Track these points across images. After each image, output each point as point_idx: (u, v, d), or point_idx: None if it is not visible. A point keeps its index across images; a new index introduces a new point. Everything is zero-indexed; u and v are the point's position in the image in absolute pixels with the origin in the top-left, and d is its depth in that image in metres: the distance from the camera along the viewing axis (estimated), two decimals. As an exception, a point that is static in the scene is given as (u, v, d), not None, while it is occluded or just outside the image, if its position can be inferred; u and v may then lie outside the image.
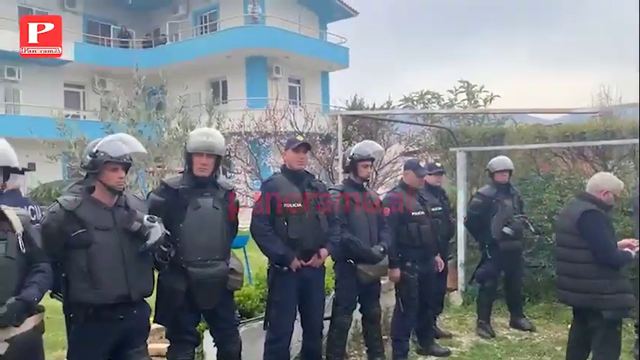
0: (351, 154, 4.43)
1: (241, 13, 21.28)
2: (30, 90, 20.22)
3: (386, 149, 10.83)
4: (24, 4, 20.80)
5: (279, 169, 4.24)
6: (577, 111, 7.32)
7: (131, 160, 3.04)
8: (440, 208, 5.36)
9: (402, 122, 10.81)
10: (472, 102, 11.07)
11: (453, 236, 6.40)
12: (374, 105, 12.83)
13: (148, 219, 2.94)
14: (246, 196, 9.99)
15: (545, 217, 6.32)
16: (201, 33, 22.86)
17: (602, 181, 3.91)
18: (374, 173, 10.30)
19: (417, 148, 11.06)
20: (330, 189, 4.37)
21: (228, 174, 12.33)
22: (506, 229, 5.46)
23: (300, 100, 22.25)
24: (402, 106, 11.38)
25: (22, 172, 3.25)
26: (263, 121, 11.47)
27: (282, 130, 11.15)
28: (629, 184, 5.88)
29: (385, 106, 12.60)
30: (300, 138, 4.02)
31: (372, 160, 4.58)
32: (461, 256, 6.83)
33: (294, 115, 11.52)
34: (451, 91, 11.16)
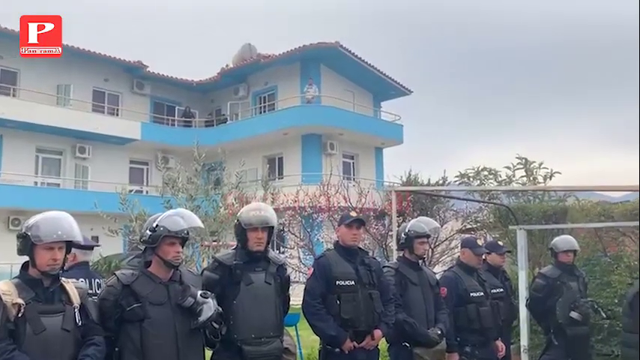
0: (407, 230, 4.34)
1: (298, 93, 22.13)
2: (98, 166, 21.38)
3: (442, 226, 10.62)
4: (98, 87, 22.45)
5: (332, 245, 4.20)
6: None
7: (188, 234, 3.09)
8: (501, 290, 5.12)
9: (457, 199, 10.64)
10: (531, 179, 10.82)
11: (515, 319, 6.06)
12: (429, 181, 12.74)
13: (201, 295, 2.95)
14: (299, 271, 9.92)
15: (616, 301, 5.92)
16: (260, 112, 23.80)
17: None
18: (429, 251, 10.07)
19: (474, 226, 10.78)
20: (384, 266, 4.27)
21: (282, 249, 12.35)
22: (574, 314, 5.13)
23: (354, 175, 22.43)
24: (457, 183, 11.25)
25: (91, 248, 3.44)
26: (317, 196, 11.56)
27: (335, 205, 11.19)
28: None
29: (440, 182, 12.51)
30: (353, 214, 4.00)
31: (428, 236, 4.48)
32: (524, 340, 6.40)
33: (347, 190, 11.58)
34: (509, 168, 10.98)
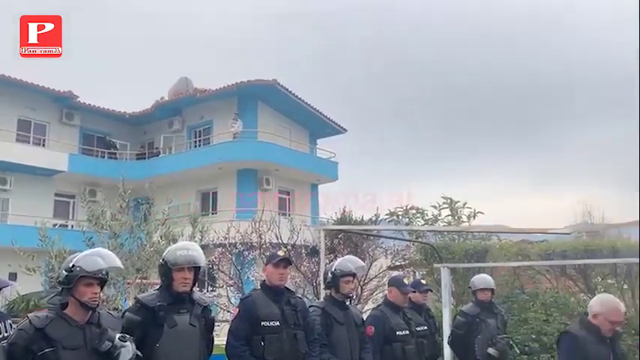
0: (333, 269, 4.36)
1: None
2: (20, 199, 20.33)
3: (372, 263, 10.80)
4: (23, 116, 21.53)
5: (259, 285, 4.19)
6: (552, 231, 7.43)
7: (107, 275, 3.01)
8: (425, 327, 5.24)
9: (386, 237, 10.88)
10: (455, 218, 11.27)
11: (439, 357, 6.20)
12: (362, 218, 12.96)
13: (119, 338, 2.86)
14: (227, 311, 9.74)
15: (533, 337, 6.20)
16: (196, 146, 23.54)
17: (595, 303, 3.72)
18: (359, 288, 10.18)
19: (403, 263, 11.03)
20: (310, 306, 4.29)
21: (210, 288, 12.09)
22: (491, 350, 5.33)
23: (289, 211, 22.44)
24: (387, 220, 11.52)
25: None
26: (249, 233, 11.47)
27: (267, 242, 11.13)
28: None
29: (373, 219, 12.75)
30: (280, 253, 4.00)
31: (354, 275, 4.53)
32: (448, 377, 6.56)
33: (279, 227, 11.56)
34: (435, 207, 11.41)
